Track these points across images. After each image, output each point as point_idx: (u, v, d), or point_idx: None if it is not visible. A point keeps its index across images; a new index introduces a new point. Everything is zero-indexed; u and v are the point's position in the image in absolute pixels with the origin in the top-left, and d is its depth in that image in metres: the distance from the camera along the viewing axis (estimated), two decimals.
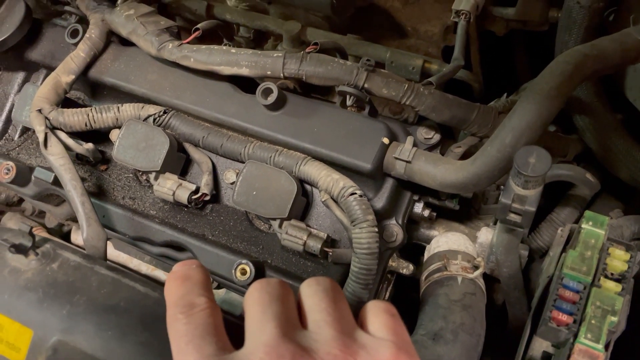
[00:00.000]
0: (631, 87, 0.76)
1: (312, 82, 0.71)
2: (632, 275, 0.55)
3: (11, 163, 0.78)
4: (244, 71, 0.71)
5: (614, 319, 0.52)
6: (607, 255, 0.56)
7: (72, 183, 0.71)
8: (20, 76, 0.88)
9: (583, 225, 0.58)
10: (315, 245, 0.68)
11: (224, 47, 0.73)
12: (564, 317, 0.53)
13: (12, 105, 0.87)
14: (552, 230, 0.80)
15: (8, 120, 0.87)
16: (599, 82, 0.78)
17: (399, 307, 0.48)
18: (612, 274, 0.55)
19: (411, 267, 0.76)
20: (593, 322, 0.52)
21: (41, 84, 0.84)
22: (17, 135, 0.87)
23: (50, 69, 0.84)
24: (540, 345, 0.56)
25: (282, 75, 0.70)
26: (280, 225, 0.70)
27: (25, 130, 0.87)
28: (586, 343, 0.51)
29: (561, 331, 0.53)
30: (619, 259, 0.56)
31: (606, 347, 0.51)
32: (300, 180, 0.71)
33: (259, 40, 0.92)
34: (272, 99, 0.71)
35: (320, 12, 0.82)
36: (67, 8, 0.83)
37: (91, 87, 0.84)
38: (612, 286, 0.54)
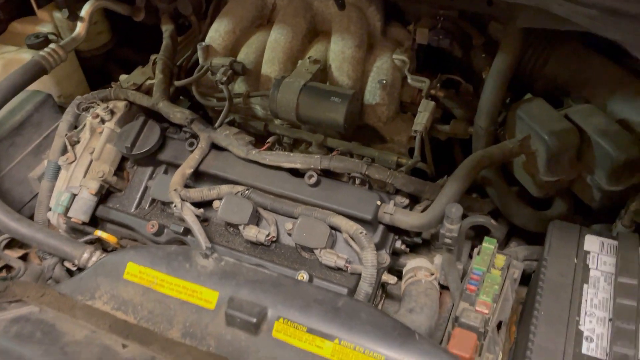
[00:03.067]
0: (516, 171, 1.32)
1: (336, 171, 1.26)
2: (507, 268, 1.08)
3: (155, 222, 1.30)
4: (298, 165, 1.26)
5: (497, 287, 1.04)
6: (495, 258, 1.09)
7: (199, 230, 1.23)
8: (149, 169, 1.41)
9: (483, 244, 1.11)
10: (340, 263, 1.20)
11: (286, 152, 1.28)
12: (472, 287, 1.05)
13: (145, 188, 1.40)
14: None
15: (142, 197, 1.40)
16: (499, 170, 1.34)
17: None
18: (496, 267, 1.08)
19: (395, 279, 1.28)
20: (487, 289, 1.04)
21: (164, 173, 1.38)
22: (147, 205, 1.39)
23: (171, 165, 1.38)
24: (462, 305, 1.07)
25: (319, 168, 1.25)
26: (320, 252, 1.21)
27: (153, 201, 1.39)
28: (482, 298, 1.02)
29: (472, 295, 1.04)
30: (500, 259, 1.09)
31: (494, 301, 1.03)
32: (330, 226, 1.23)
33: (296, 144, 1.48)
34: (313, 180, 1.25)
35: (335, 130, 1.38)
36: (184, 129, 1.38)
37: (195, 175, 1.37)
38: (496, 272, 1.07)
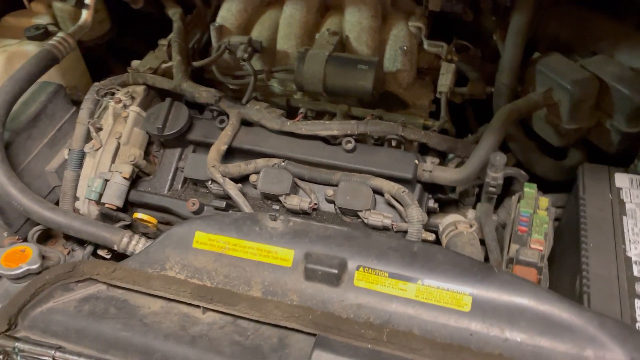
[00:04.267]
0: (535, 124, 1.40)
1: (373, 134, 1.29)
2: (551, 208, 1.15)
3: (195, 200, 1.29)
4: (335, 132, 1.29)
5: (546, 225, 1.10)
6: (538, 200, 1.16)
7: (244, 203, 1.24)
8: (178, 151, 1.40)
9: (525, 189, 1.18)
10: (388, 222, 1.23)
11: (321, 121, 1.30)
12: (524, 228, 1.11)
13: (176, 169, 1.39)
14: (505, 211, 1.39)
15: (173, 178, 1.39)
16: (519, 124, 1.41)
17: None
18: (541, 208, 1.14)
19: (434, 235, 1.32)
20: (537, 228, 1.10)
21: (192, 152, 1.38)
22: (179, 186, 1.38)
23: (201, 144, 1.38)
24: (514, 247, 1.12)
25: (356, 132, 1.28)
26: (364, 213, 1.24)
27: (184, 182, 1.39)
28: (535, 236, 1.09)
29: (523, 235, 1.10)
30: (543, 202, 1.15)
31: (545, 239, 1.09)
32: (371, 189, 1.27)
33: (318, 117, 1.50)
34: (350, 146, 1.28)
35: (362, 97, 1.41)
36: (211, 107, 1.38)
37: (226, 152, 1.37)
38: (543, 213, 1.13)
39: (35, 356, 0.92)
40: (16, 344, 0.91)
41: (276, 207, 1.09)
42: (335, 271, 0.94)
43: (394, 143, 1.30)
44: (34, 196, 1.24)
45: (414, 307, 0.91)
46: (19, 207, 1.23)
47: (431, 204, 1.34)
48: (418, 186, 1.30)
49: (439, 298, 0.91)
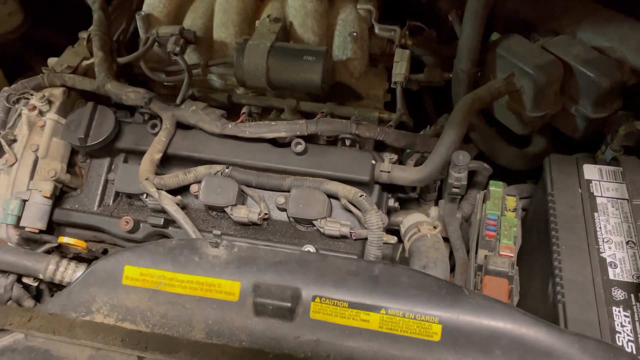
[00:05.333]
0: (497, 111, 1.31)
1: (324, 134, 1.17)
2: (519, 209, 1.06)
3: (129, 217, 1.15)
4: (282, 134, 1.16)
5: (515, 229, 1.02)
6: (505, 200, 1.07)
7: (184, 220, 1.10)
8: (106, 161, 1.24)
9: (490, 188, 1.09)
10: (346, 230, 1.12)
11: (266, 122, 1.17)
12: (491, 233, 1.02)
13: (105, 182, 1.23)
14: (468, 204, 1.30)
15: (103, 193, 1.23)
16: (480, 113, 1.32)
17: None
18: (509, 209, 1.05)
19: (395, 238, 1.23)
20: (505, 232, 1.02)
21: (123, 162, 1.23)
22: (111, 201, 1.23)
23: (133, 152, 1.22)
24: (482, 253, 1.04)
25: (306, 133, 1.16)
26: (320, 222, 1.13)
27: (117, 196, 1.23)
28: (504, 242, 1.00)
29: (491, 241, 1.02)
30: (511, 201, 1.07)
31: (514, 243, 1.01)
32: (326, 194, 1.15)
33: (264, 113, 1.36)
34: (301, 148, 1.16)
35: (310, 91, 1.28)
36: (141, 110, 1.23)
37: (161, 160, 1.22)
38: (511, 214, 1.05)
39: None
40: None
41: (217, 232, 0.97)
42: (288, 304, 0.83)
43: (347, 142, 1.18)
44: None
45: (379, 339, 0.81)
46: None
47: (391, 203, 1.24)
48: (376, 187, 1.19)
49: (406, 327, 0.81)
